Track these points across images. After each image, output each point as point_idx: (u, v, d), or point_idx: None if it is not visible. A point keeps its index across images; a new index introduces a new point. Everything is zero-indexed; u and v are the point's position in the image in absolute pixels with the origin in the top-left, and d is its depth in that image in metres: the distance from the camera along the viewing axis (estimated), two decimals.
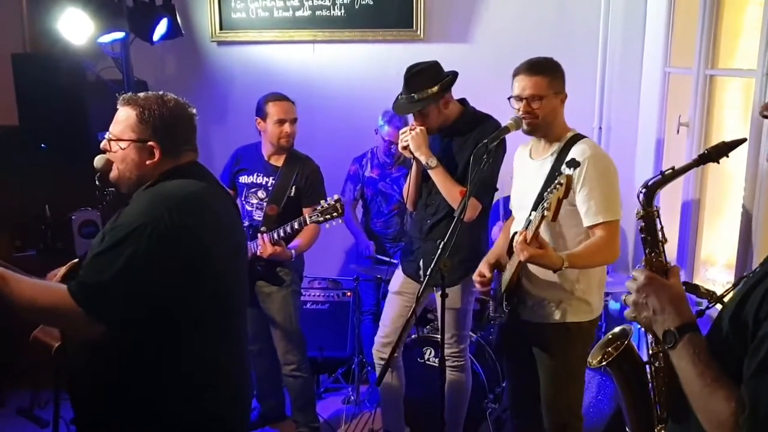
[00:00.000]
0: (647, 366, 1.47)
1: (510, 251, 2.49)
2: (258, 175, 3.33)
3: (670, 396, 1.39)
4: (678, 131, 3.34)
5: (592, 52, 4.04)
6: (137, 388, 1.79)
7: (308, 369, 3.44)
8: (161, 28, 3.70)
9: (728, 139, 1.39)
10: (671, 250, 3.46)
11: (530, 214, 2.38)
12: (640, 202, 1.46)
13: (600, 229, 2.36)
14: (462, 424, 3.23)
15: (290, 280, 3.32)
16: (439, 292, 2.54)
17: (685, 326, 1.22)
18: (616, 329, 1.61)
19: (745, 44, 2.94)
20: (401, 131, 2.95)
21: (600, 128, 4.10)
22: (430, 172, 2.89)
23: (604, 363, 1.54)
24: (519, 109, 2.45)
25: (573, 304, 2.49)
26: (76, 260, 1.99)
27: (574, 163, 2.21)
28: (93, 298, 1.65)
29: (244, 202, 3.35)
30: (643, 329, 1.36)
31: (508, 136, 2.59)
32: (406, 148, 2.91)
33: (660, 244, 1.44)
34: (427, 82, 2.81)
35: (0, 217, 3.86)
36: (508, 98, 2.49)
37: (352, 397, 3.90)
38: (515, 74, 2.49)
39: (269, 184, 3.29)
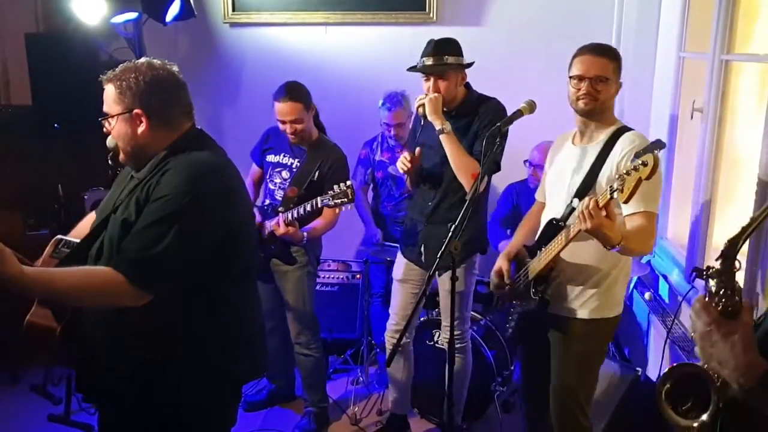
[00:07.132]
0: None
1: (541, 241, 2.45)
2: (284, 156, 3.34)
3: None
4: (692, 117, 3.31)
5: (606, 35, 3.99)
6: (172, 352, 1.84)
7: (320, 349, 3.47)
8: (174, 8, 3.69)
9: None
10: (683, 236, 3.45)
11: (571, 201, 2.33)
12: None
13: (640, 217, 2.28)
14: (462, 406, 3.25)
15: (305, 260, 3.33)
16: (444, 275, 2.51)
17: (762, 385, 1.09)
18: None
19: (762, 29, 2.90)
20: (419, 97, 2.93)
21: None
22: (441, 137, 2.85)
23: None
24: (579, 90, 2.37)
25: (599, 299, 2.45)
26: (59, 237, 2.03)
27: (653, 147, 2.01)
28: (143, 272, 1.68)
29: (268, 181, 3.39)
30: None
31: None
32: (421, 106, 2.89)
33: (735, 286, 1.24)
34: (456, 50, 2.90)
35: (13, 196, 3.89)
36: (570, 77, 2.40)
37: (361, 379, 3.93)
38: (577, 55, 2.42)
39: (294, 166, 3.31)
